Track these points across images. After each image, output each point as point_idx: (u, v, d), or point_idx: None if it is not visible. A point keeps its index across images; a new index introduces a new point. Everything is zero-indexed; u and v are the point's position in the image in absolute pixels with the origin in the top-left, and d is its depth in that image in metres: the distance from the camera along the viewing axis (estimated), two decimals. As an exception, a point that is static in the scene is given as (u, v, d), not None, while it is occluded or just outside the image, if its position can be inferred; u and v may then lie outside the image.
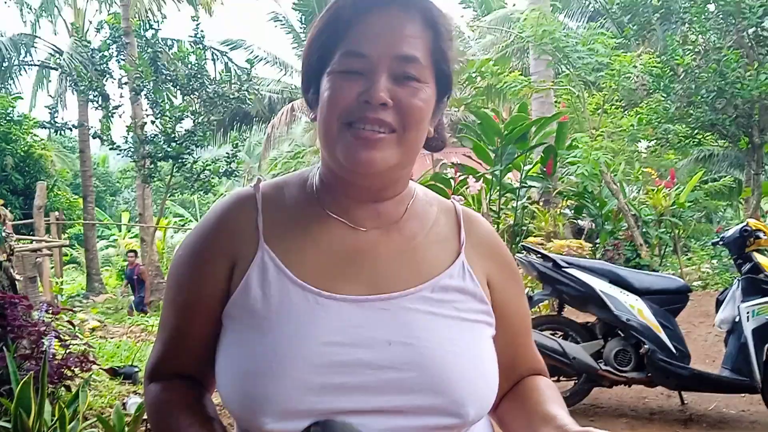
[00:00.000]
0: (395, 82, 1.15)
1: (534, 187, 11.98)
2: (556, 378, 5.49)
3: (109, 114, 16.43)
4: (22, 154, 20.55)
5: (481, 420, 1.23)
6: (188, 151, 15.86)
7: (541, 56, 13.41)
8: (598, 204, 11.67)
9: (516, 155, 11.02)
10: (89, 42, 19.51)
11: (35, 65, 23.96)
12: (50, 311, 5.34)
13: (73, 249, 26.62)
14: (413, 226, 1.26)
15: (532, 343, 1.37)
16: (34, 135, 22.11)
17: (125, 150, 16.35)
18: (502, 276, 1.30)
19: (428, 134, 1.24)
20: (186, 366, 1.27)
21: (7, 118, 20.69)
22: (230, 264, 1.20)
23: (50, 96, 24.77)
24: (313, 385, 1.10)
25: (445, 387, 1.13)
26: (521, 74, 13.37)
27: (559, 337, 5.44)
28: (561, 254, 6.56)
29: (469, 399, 1.15)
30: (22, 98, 23.35)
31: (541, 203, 12.05)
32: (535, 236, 10.61)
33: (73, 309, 8.90)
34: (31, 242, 12.71)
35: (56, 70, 22.79)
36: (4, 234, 6.08)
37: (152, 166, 16.08)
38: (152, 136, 16.00)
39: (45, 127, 18.74)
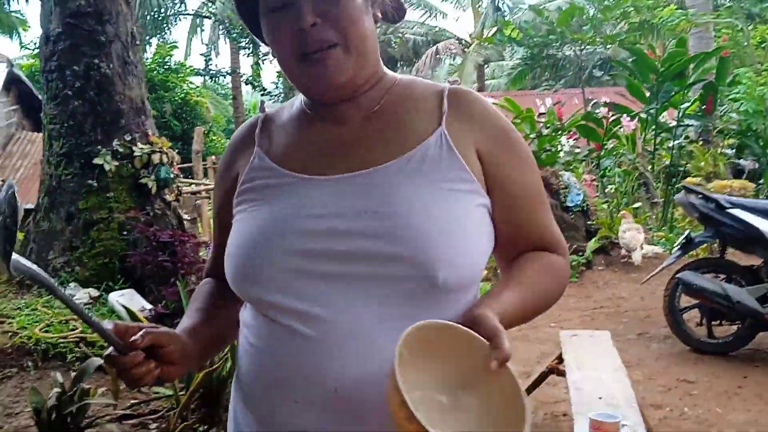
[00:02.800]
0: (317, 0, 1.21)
1: (692, 125, 11.45)
2: (718, 322, 5.32)
3: (260, 60, 16.89)
4: (179, 101, 21.45)
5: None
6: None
7: (700, -13, 12.68)
8: (762, 143, 11.04)
9: (673, 93, 10.56)
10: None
11: (189, 14, 24.86)
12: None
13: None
14: (395, 109, 1.31)
15: (540, 218, 1.34)
16: (190, 82, 23.01)
17: (275, 95, 16.81)
18: (496, 148, 1.28)
19: (376, 18, 1.30)
20: (221, 266, 1.37)
21: (165, 66, 21.59)
22: (236, 173, 1.37)
23: (204, 44, 25.71)
24: (296, 248, 1.21)
25: (413, 251, 1.16)
26: (678, 8, 12.69)
27: (721, 280, 5.24)
28: (723, 194, 6.26)
29: (438, 262, 1.16)
30: (177, 47, 24.30)
31: (699, 142, 11.51)
32: (693, 177, 10.17)
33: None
34: (190, 185, 13.31)
35: (209, 18, 23.56)
36: (172, 175, 6.40)
37: (301, 110, 16.45)
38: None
39: (200, 75, 19.52)
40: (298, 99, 1.40)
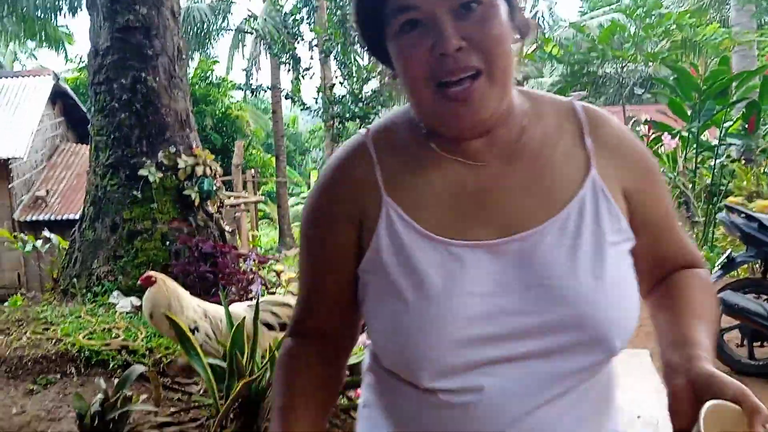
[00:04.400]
0: (460, 18, 1.04)
1: (734, 144, 11.32)
2: (760, 343, 5.24)
3: (300, 76, 17.06)
4: (220, 115, 21.75)
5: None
6: (375, 111, 16.22)
7: (744, 6, 12.56)
8: (806, 162, 10.87)
9: (715, 111, 10.43)
10: (282, 6, 20.26)
11: (231, 30, 25.20)
12: (256, 261, 5.67)
13: (266, 205, 27.97)
14: (533, 145, 1.14)
15: (679, 237, 1.24)
16: (231, 96, 23.32)
17: (315, 110, 16.94)
18: (639, 181, 1.16)
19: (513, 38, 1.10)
20: (322, 324, 1.25)
21: (206, 81, 21.93)
22: (357, 221, 1.15)
23: (245, 59, 26.02)
24: (459, 338, 1.06)
25: (589, 322, 1.06)
26: (721, 26, 12.59)
27: (763, 300, 5.17)
28: (766, 214, 6.18)
29: (614, 330, 1.07)
30: (219, 62, 24.65)
31: (741, 161, 11.36)
32: (735, 196, 10.04)
33: (277, 259, 9.40)
34: (230, 198, 13.46)
35: (251, 34, 23.85)
36: (215, 187, 6.50)
37: (340, 125, 16.59)
38: (340, 96, 16.49)
39: (241, 89, 19.75)
40: (407, 120, 1.19)
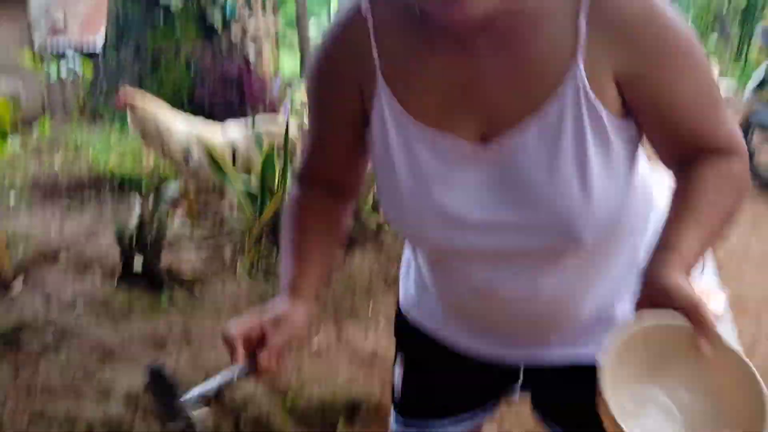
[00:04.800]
0: None
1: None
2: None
3: None
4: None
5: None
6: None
7: None
8: None
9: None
10: None
11: None
12: (283, 86, 5.62)
13: (285, 36, 27.39)
14: (523, 29, 1.05)
15: (708, 122, 1.10)
16: None
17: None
18: (644, 65, 1.04)
19: None
20: (326, 173, 1.30)
21: None
22: (357, 86, 1.16)
23: None
24: (435, 225, 1.14)
25: (564, 225, 1.08)
26: None
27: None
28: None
29: (590, 231, 1.08)
30: None
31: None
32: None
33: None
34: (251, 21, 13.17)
35: None
36: (237, 14, 6.35)
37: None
38: None
39: None
40: None
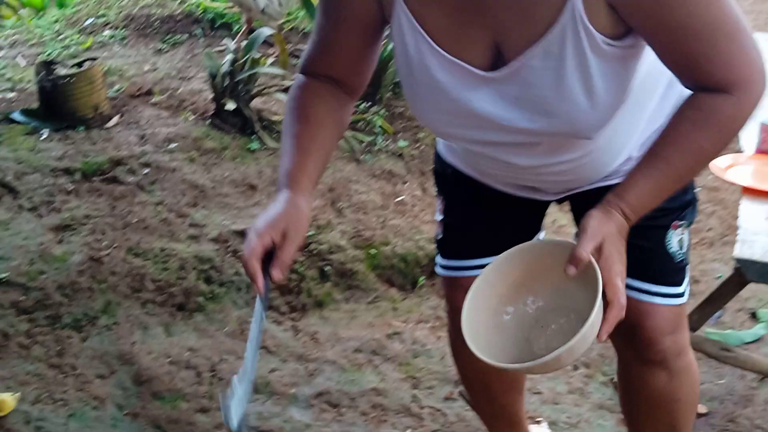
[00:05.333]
0: None
1: None
2: None
3: None
4: None
5: None
6: None
7: None
8: None
9: None
10: None
11: None
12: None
13: None
14: None
15: (708, 54, 1.12)
16: None
17: None
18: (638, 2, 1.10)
19: None
20: (332, 70, 1.34)
21: None
22: None
23: None
24: (455, 125, 1.30)
25: (570, 127, 1.22)
26: None
27: None
28: None
29: (594, 129, 1.23)
30: None
31: None
32: None
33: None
34: None
35: None
36: None
37: None
38: None
39: None
40: None
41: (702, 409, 2.39)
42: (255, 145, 3.40)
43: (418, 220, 3.15)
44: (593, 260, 1.13)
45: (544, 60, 1.15)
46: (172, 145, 3.25)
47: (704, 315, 2.40)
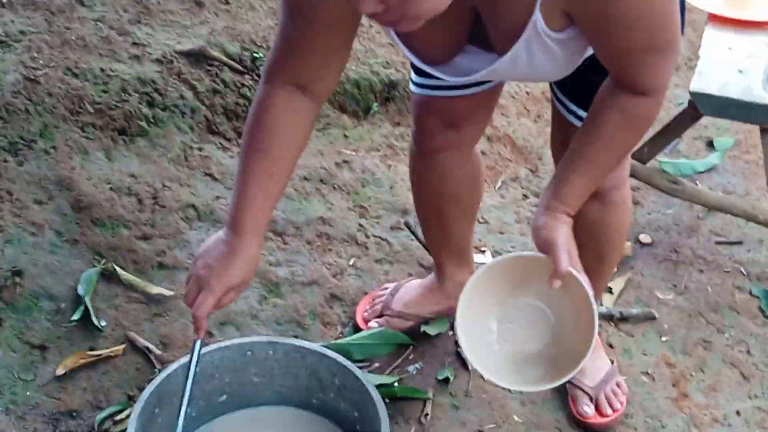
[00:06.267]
0: None
1: None
2: None
3: None
4: None
5: None
6: None
7: None
8: None
9: None
10: None
11: None
12: None
13: None
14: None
15: (633, 70, 1.29)
16: None
17: None
18: (588, 21, 1.24)
19: None
20: (299, 76, 1.30)
21: None
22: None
23: None
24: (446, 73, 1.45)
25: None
26: None
27: None
28: None
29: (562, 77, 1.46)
30: None
31: None
32: None
33: None
34: None
35: None
36: None
37: None
38: None
39: None
40: None
41: (646, 239, 2.41)
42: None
43: (373, 43, 3.01)
44: (574, 272, 1.29)
45: (525, 52, 1.29)
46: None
47: (656, 147, 2.37)
